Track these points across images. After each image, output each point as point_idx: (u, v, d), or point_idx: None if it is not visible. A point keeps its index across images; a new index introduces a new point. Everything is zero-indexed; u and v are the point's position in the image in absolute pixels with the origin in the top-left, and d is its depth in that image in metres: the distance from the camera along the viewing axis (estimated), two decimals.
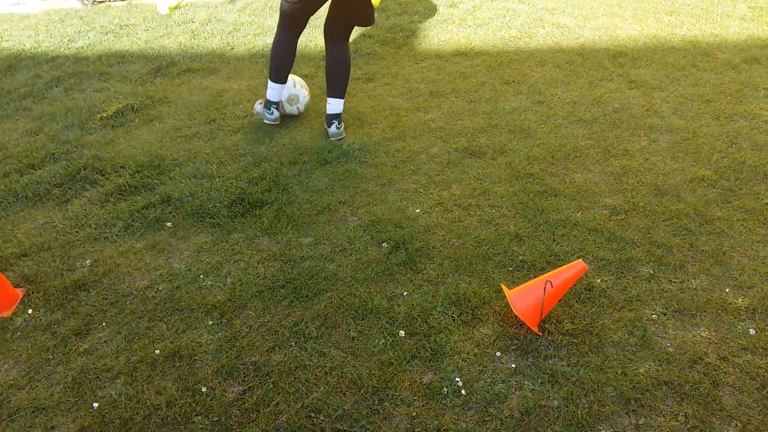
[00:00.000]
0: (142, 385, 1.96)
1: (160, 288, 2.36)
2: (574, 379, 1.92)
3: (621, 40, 4.60)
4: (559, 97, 3.79)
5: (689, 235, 2.52)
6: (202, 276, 2.42)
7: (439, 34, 4.97)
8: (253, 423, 1.83)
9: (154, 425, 1.84)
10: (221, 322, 2.19)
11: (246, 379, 1.97)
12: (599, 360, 1.98)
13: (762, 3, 5.20)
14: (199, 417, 1.85)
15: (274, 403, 1.89)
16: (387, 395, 1.90)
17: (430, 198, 2.85)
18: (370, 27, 4.27)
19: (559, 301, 2.17)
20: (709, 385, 1.89)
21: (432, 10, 5.52)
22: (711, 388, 1.88)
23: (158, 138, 3.54)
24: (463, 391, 1.89)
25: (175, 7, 6.05)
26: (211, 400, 1.91)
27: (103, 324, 2.21)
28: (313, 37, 5.04)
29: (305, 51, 4.77)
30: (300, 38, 4.21)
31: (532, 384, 1.91)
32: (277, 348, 2.07)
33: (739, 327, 2.08)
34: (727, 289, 2.24)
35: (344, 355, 2.04)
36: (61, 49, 5.09)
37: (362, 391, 1.91)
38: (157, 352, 2.07)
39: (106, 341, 2.13)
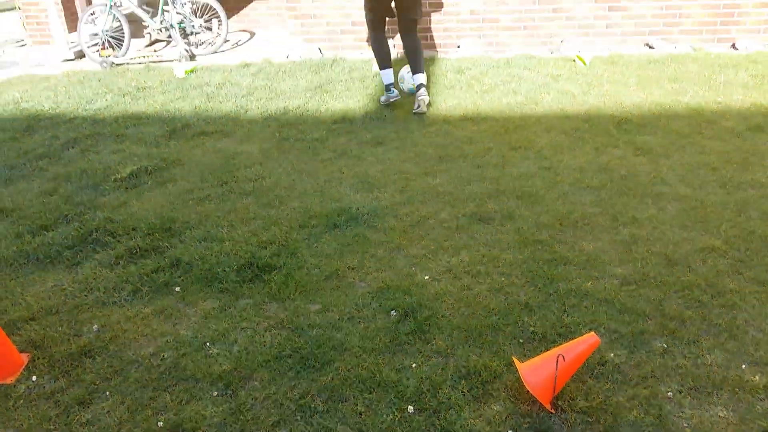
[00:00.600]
0: None
1: (165, 356, 2.34)
2: None
3: (626, 107, 4.70)
4: (566, 163, 3.84)
5: (702, 308, 2.49)
6: (208, 343, 2.39)
7: (447, 99, 5.09)
8: None
9: None
10: (226, 393, 2.15)
11: None
12: None
13: (763, 71, 5.32)
14: None
15: None
16: None
17: (438, 264, 2.85)
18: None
19: (572, 377, 2.12)
20: None
21: (440, 76, 5.68)
22: None
23: (170, 200, 3.59)
24: None
25: (192, 71, 6.26)
26: None
27: (107, 393, 2.17)
28: (324, 101, 5.18)
29: (317, 115, 4.89)
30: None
31: None
32: (282, 423, 2.02)
33: (759, 407, 2.01)
34: (744, 366, 2.19)
35: (351, 431, 1.98)
36: (79, 111, 5.24)
37: None
38: (160, 424, 2.03)
39: (108, 411, 2.09)
